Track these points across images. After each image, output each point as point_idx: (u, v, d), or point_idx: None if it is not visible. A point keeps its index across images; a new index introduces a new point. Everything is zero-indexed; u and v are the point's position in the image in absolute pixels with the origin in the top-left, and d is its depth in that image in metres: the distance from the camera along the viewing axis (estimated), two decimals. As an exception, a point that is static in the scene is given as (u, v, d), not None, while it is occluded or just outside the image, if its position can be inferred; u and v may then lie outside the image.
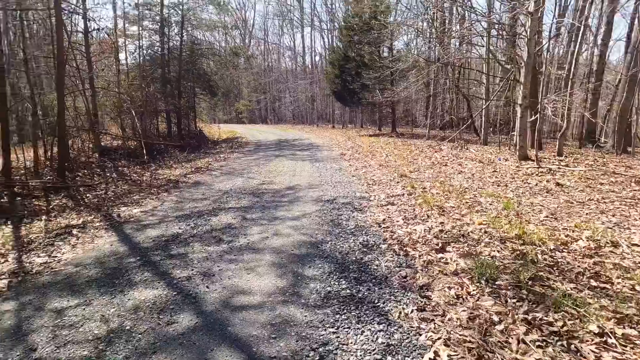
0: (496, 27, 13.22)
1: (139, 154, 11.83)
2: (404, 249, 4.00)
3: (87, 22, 12.18)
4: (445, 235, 4.29)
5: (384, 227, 4.74)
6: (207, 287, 3.30)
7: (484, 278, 3.18)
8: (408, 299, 3.00)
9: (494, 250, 3.79)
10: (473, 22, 12.99)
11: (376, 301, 2.97)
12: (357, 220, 5.06)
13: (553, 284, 3.10)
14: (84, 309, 3.02)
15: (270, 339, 2.52)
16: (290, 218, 5.27)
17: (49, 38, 10.87)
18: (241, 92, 43.96)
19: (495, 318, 2.63)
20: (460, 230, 4.44)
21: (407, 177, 7.77)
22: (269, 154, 13.42)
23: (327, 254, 3.93)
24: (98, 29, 13.63)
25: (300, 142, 18.02)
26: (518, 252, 3.72)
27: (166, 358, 2.38)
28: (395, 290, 3.14)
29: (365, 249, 4.05)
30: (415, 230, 4.52)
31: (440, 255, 3.75)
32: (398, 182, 7.34)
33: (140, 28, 16.82)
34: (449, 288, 3.10)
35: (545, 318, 2.61)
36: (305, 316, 2.78)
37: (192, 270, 3.66)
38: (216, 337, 2.58)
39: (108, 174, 9.31)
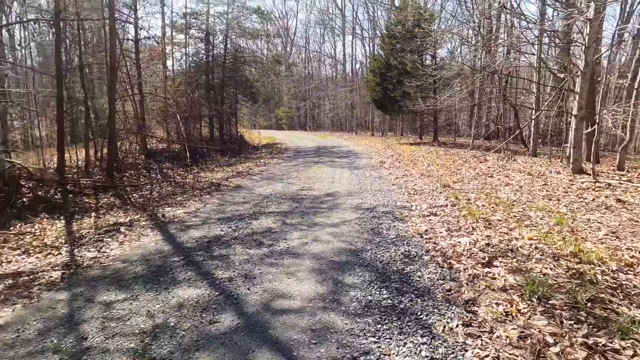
0: (548, 34, 12.57)
1: (182, 157, 12.37)
2: (448, 261, 3.85)
3: (138, 31, 13.02)
4: (492, 249, 4.09)
5: (426, 238, 4.60)
6: (248, 289, 3.35)
7: (536, 296, 2.98)
8: (453, 312, 2.88)
9: (547, 268, 3.55)
10: (523, 29, 12.43)
11: (419, 313, 2.87)
12: (398, 230, 4.96)
13: (617, 307, 2.85)
14: (131, 303, 3.16)
15: (310, 344, 2.51)
16: (330, 225, 5.26)
17: (102, 46, 11.64)
18: (281, 99, 44.89)
19: (550, 339, 2.45)
20: (508, 245, 4.22)
21: (451, 188, 7.52)
22: (308, 160, 13.54)
23: (367, 263, 3.87)
24: (148, 37, 14.54)
25: (339, 149, 18.04)
26: (574, 271, 3.46)
27: (209, 356, 2.43)
28: (439, 303, 3.02)
29: (406, 260, 3.94)
30: (459, 242, 4.35)
31: (486, 269, 3.57)
32: (441, 193, 7.12)
33: (187, 36, 17.72)
34: (497, 304, 2.94)
35: (610, 344, 2.39)
36: (346, 324, 2.74)
37: (234, 271, 3.73)
38: (257, 338, 2.60)
39: (153, 175, 9.78)
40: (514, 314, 2.79)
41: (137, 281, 3.60)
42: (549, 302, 2.92)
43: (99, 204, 6.89)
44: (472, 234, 4.66)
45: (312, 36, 73.83)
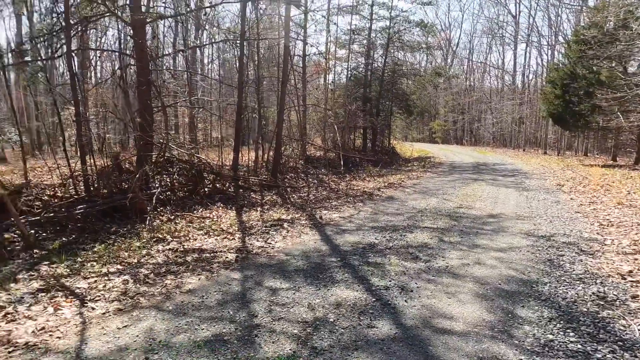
0: None
1: (336, 165, 13.12)
2: (668, 316, 2.96)
3: (306, 48, 14.41)
4: None
5: (631, 281, 3.65)
6: (406, 301, 3.27)
7: None
8: (684, 385, 2.18)
9: None
10: None
11: (625, 372, 2.29)
12: (587, 266, 4.09)
13: None
14: (294, 293, 3.44)
15: (478, 373, 2.28)
16: (495, 249, 4.73)
17: (275, 61, 13.23)
18: (437, 112, 43.24)
19: None
20: None
21: (665, 224, 5.81)
22: (465, 176, 12.57)
23: (545, 297, 3.31)
24: (315, 54, 16.05)
25: (503, 167, 16.17)
26: None
27: (367, 358, 2.45)
28: (658, 368, 2.34)
29: (601, 302, 3.21)
30: (686, 295, 3.29)
31: None
32: (650, 228, 5.57)
33: (349, 51, 18.88)
34: None
35: None
36: (520, 359, 2.39)
37: (390, 281, 3.71)
38: (417, 353, 2.51)
39: (310, 180, 10.60)
40: None
41: (298, 274, 3.92)
42: None
43: (264, 200, 7.78)
44: None
45: (477, 46, 68.96)
